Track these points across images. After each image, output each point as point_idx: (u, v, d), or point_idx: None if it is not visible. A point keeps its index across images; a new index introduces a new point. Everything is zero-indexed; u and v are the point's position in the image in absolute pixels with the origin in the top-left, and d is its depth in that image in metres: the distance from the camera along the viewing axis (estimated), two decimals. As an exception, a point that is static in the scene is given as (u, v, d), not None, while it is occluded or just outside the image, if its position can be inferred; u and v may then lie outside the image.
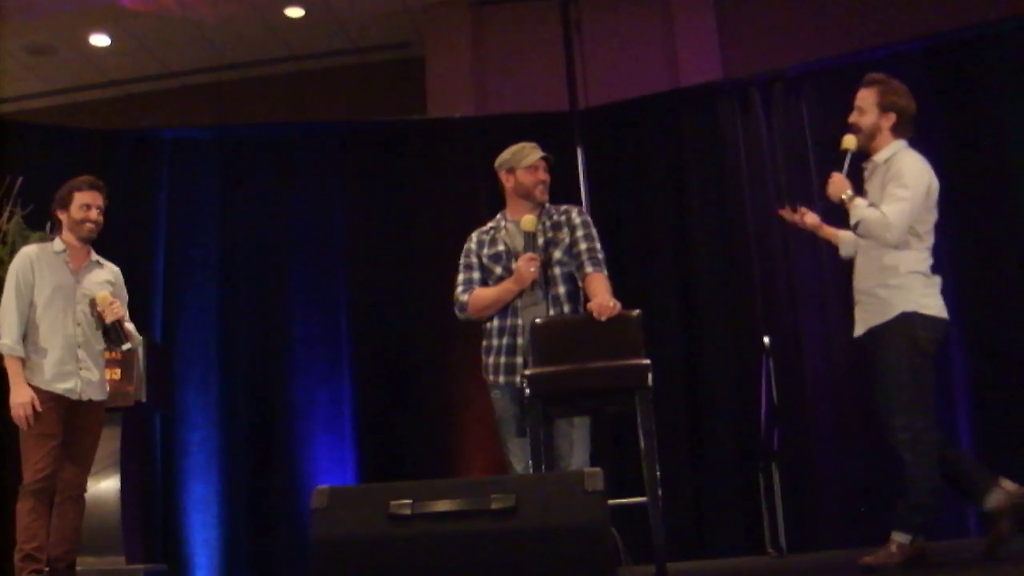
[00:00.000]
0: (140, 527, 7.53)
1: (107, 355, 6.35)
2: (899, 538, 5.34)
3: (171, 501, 8.51)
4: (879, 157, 5.63)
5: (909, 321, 5.41)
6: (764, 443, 7.38)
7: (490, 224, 5.81)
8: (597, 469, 3.69)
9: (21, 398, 5.75)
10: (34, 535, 5.71)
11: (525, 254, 5.45)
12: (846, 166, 5.62)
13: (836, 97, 8.11)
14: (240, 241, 8.97)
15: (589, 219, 5.77)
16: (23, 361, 5.84)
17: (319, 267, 8.93)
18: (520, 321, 5.50)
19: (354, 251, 8.93)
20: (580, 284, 5.60)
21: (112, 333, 5.95)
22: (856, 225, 5.48)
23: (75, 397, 5.92)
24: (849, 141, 5.65)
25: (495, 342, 5.59)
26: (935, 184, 5.55)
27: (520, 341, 5.47)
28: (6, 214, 7.58)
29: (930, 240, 5.56)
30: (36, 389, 5.82)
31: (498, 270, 5.62)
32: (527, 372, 5.11)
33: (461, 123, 9.37)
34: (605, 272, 5.61)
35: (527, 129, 8.35)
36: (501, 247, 5.65)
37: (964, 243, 7.64)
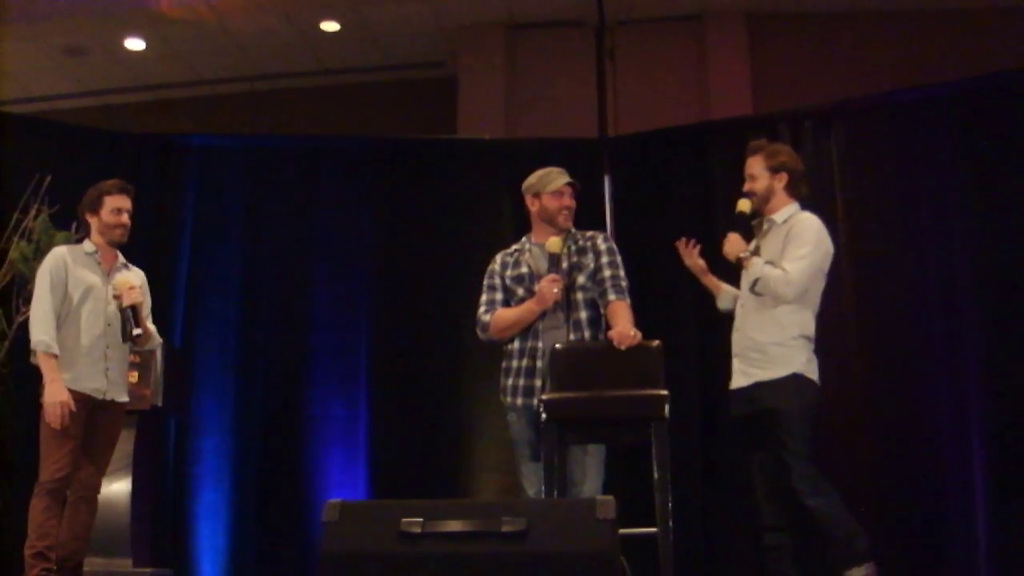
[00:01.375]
0: (149, 531, 7.53)
1: (129, 358, 6.37)
2: (857, 573, 5.38)
3: (181, 507, 8.50)
4: (777, 217, 5.80)
5: (799, 381, 5.56)
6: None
7: (515, 246, 5.83)
8: (609, 497, 3.68)
9: (58, 396, 5.71)
10: (47, 533, 5.71)
11: (548, 275, 5.46)
12: (755, 226, 5.87)
13: (866, 136, 8.13)
14: (263, 251, 8.96)
15: (614, 246, 5.78)
16: (56, 358, 5.81)
17: (341, 281, 8.91)
18: (540, 344, 5.50)
19: (377, 267, 8.92)
20: (602, 311, 5.60)
21: (126, 319, 5.98)
22: (755, 283, 5.60)
23: (100, 396, 5.92)
24: (744, 204, 5.84)
25: (515, 364, 5.59)
26: (831, 249, 5.75)
27: (540, 364, 5.47)
28: (32, 212, 7.60)
29: (817, 306, 5.72)
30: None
31: (520, 292, 5.63)
32: (544, 396, 5.13)
33: (490, 145, 9.36)
34: (628, 300, 5.61)
35: (556, 154, 8.35)
36: (524, 269, 5.66)
37: (988, 284, 7.60)
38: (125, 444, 7.02)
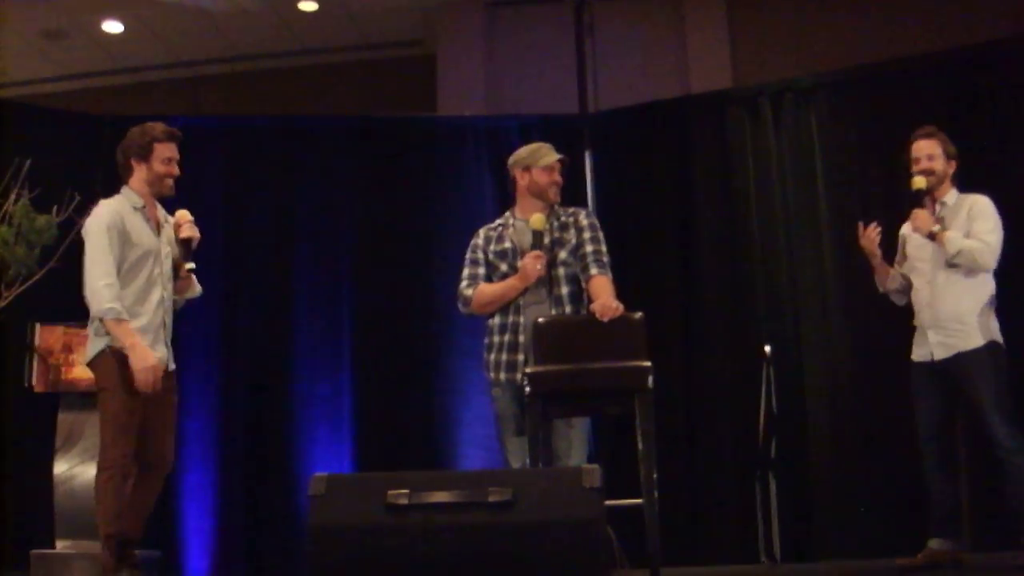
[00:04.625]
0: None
1: None
2: None
3: (167, 488, 8.49)
4: (948, 199, 6.14)
5: (997, 348, 5.97)
6: (762, 451, 7.38)
7: (498, 221, 5.83)
8: (595, 466, 3.71)
9: (147, 361, 5.35)
10: (120, 514, 5.34)
11: (531, 252, 5.46)
12: (927, 204, 6.12)
13: (846, 109, 8.17)
14: (245, 231, 8.95)
15: (596, 222, 5.78)
16: (127, 323, 5.39)
17: (323, 260, 8.92)
18: (522, 319, 5.50)
19: (359, 245, 8.93)
20: (584, 286, 5.60)
21: (184, 249, 5.66)
22: (956, 254, 5.90)
23: (163, 365, 5.55)
24: (920, 181, 6.10)
25: (496, 339, 5.60)
26: None
27: (522, 339, 5.47)
28: (12, 196, 7.59)
29: None
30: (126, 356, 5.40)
31: (503, 267, 5.63)
32: (528, 370, 5.12)
33: (471, 122, 9.37)
34: (610, 275, 5.61)
35: (537, 130, 8.41)
36: (508, 244, 5.66)
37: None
38: (110, 426, 7.03)
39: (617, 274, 5.71)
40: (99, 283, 5.37)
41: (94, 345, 5.51)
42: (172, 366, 5.79)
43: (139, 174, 5.68)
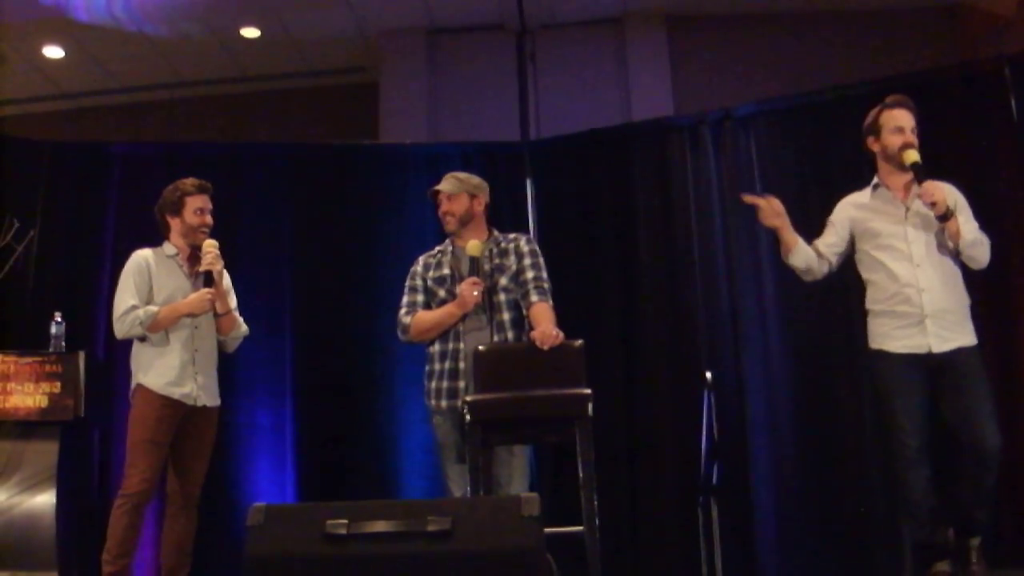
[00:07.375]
0: (76, 543, 7.46)
1: (50, 368, 6.31)
2: (976, 542, 5.51)
3: (107, 517, 8.42)
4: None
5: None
6: (703, 477, 7.39)
7: (437, 248, 5.86)
8: (534, 495, 3.70)
9: (192, 302, 5.88)
10: (129, 550, 5.72)
11: (469, 278, 5.48)
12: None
13: (785, 136, 8.20)
14: (186, 259, 8.90)
15: (537, 248, 5.81)
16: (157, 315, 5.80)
17: (264, 289, 8.83)
18: (463, 346, 5.52)
19: (300, 274, 8.87)
20: (525, 312, 5.61)
21: (205, 279, 5.97)
22: (972, 243, 5.47)
23: (190, 402, 5.92)
24: (915, 155, 5.64)
25: (437, 366, 5.60)
26: None
27: (462, 366, 5.49)
28: (-49, 221, 7.55)
29: None
30: (151, 393, 5.78)
31: (442, 293, 5.64)
32: (468, 398, 5.12)
33: (412, 149, 9.35)
34: (550, 302, 5.64)
35: (478, 157, 8.41)
36: (446, 271, 5.68)
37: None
38: (48, 455, 6.99)
39: (558, 301, 5.73)
40: (120, 312, 5.84)
41: (133, 381, 5.93)
42: (212, 403, 6.13)
43: (175, 228, 6.11)
